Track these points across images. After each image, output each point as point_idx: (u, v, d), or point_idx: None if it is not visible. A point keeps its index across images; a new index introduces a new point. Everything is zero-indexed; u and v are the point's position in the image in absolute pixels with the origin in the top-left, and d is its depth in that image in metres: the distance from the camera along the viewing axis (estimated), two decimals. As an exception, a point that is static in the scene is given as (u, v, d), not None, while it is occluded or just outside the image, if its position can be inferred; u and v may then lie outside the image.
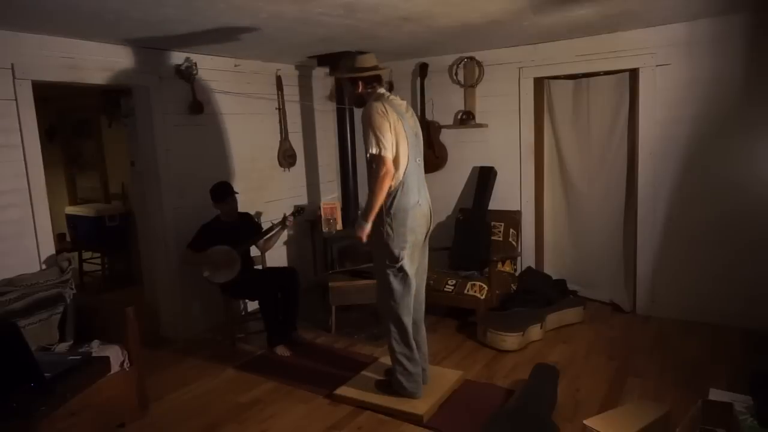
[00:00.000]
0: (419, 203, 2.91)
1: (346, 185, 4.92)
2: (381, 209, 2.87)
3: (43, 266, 3.38)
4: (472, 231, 4.72)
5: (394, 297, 2.95)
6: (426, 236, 3.06)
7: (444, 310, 4.48)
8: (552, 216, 4.97)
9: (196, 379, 3.59)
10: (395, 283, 2.93)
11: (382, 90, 3.00)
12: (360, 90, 3.01)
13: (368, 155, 2.81)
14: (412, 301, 3.02)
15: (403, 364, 3.03)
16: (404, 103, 3.00)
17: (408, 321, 3.00)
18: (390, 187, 2.84)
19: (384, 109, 2.79)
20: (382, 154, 2.76)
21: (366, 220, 2.86)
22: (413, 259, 2.97)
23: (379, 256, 2.96)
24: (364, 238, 2.88)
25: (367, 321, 4.44)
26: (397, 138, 2.80)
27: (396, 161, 2.82)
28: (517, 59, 4.62)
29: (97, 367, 2.83)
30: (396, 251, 2.88)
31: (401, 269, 2.91)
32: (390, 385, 3.12)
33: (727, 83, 3.85)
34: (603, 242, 4.67)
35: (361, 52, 4.45)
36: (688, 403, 2.82)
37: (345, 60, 3.11)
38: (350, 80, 3.05)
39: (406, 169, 2.85)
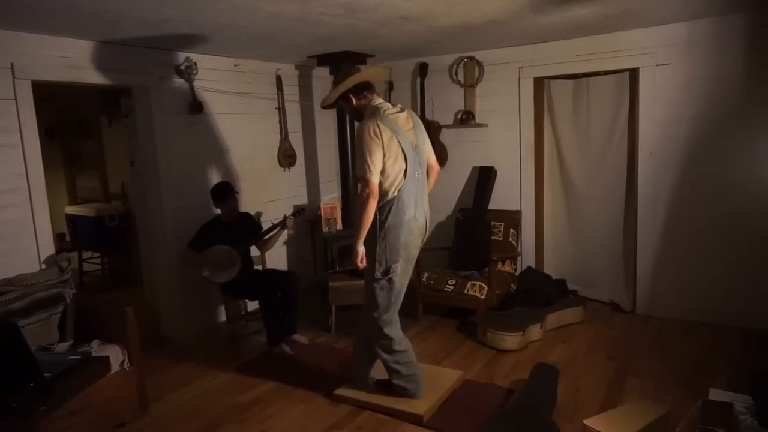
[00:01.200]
0: (415, 217, 2.87)
1: (346, 185, 4.92)
2: (375, 224, 2.83)
3: (43, 266, 3.38)
4: (472, 231, 4.72)
5: (378, 310, 2.94)
6: (419, 249, 3.03)
7: (444, 310, 4.48)
8: (552, 216, 4.97)
9: (196, 379, 3.59)
10: (380, 297, 2.91)
11: (379, 101, 2.92)
12: (354, 103, 2.95)
13: (354, 176, 2.78)
14: (396, 313, 3.00)
15: (397, 370, 3.03)
16: (402, 115, 2.89)
17: (391, 330, 2.98)
18: (384, 202, 2.81)
19: (377, 129, 2.72)
20: (367, 176, 2.72)
21: (358, 244, 2.84)
22: (405, 272, 2.95)
23: (369, 269, 2.93)
24: (360, 264, 2.87)
25: (367, 321, 4.44)
26: (391, 156, 2.75)
27: (389, 179, 2.78)
28: (517, 59, 4.62)
29: (97, 366, 2.83)
30: (388, 265, 2.86)
31: (390, 282, 2.89)
32: (389, 385, 3.11)
33: (727, 83, 3.85)
34: (603, 242, 4.67)
35: (361, 55, 4.46)
36: (688, 403, 2.82)
37: (333, 82, 3.10)
38: (342, 99, 2.98)
39: (402, 185, 2.80)
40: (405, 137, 2.82)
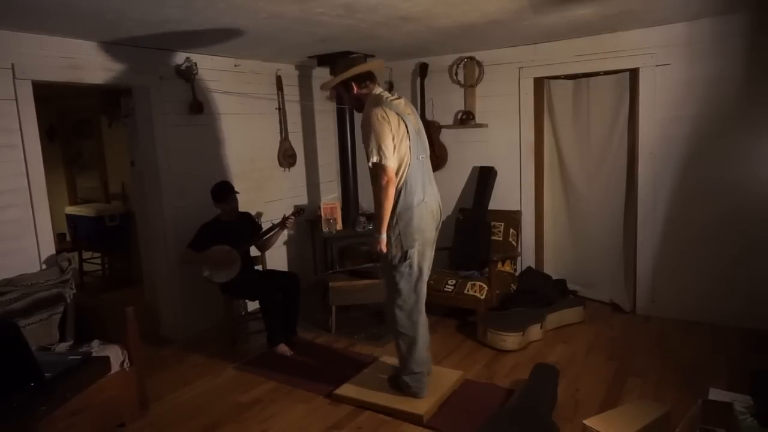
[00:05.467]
0: (425, 200, 2.89)
1: (346, 185, 4.93)
2: None
3: (44, 266, 3.38)
4: (472, 231, 4.72)
5: (402, 297, 2.95)
6: (435, 232, 3.05)
7: (444, 310, 4.48)
8: (552, 216, 4.97)
9: (196, 378, 3.59)
10: (402, 283, 2.93)
11: (378, 90, 2.97)
12: (355, 91, 2.97)
13: (370, 164, 2.78)
14: (421, 300, 3.01)
15: (408, 365, 3.04)
16: (402, 101, 2.96)
17: (417, 320, 2.99)
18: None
19: (384, 114, 2.76)
20: (384, 162, 2.73)
21: (380, 231, 2.83)
22: (423, 256, 2.96)
23: (386, 259, 2.94)
24: (384, 249, 2.86)
25: (367, 321, 4.44)
26: (398, 140, 2.78)
27: (398, 163, 2.80)
28: (517, 59, 4.62)
29: (97, 366, 2.83)
30: (405, 250, 2.87)
31: (410, 267, 2.90)
32: (397, 380, 3.13)
33: (727, 83, 3.85)
34: (603, 242, 4.67)
35: (351, 53, 4.48)
36: (688, 403, 2.82)
37: (334, 69, 3.12)
38: (343, 85, 3.00)
39: (408, 169, 2.83)
40: (409, 120, 2.86)
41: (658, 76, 4.08)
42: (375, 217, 2.86)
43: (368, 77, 2.97)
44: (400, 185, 2.83)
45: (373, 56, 4.69)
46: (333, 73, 3.18)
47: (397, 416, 2.97)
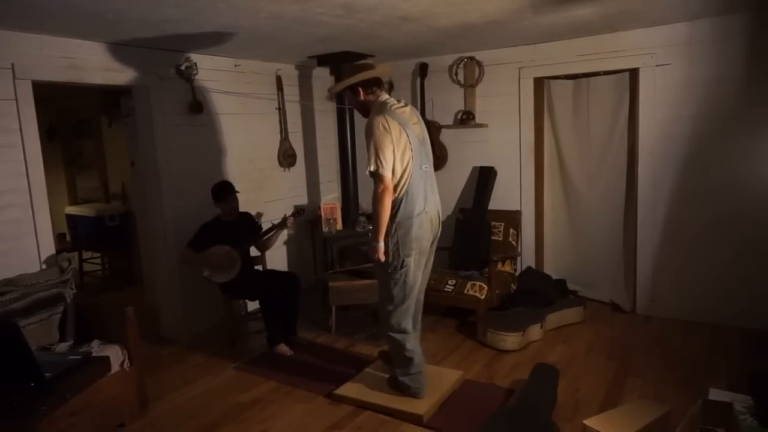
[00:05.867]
0: (425, 210, 2.90)
1: (346, 185, 4.93)
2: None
3: (44, 266, 3.38)
4: (472, 231, 4.72)
5: (394, 303, 2.96)
6: (433, 242, 3.06)
7: (444, 310, 4.48)
8: (552, 216, 4.97)
9: (196, 378, 3.59)
10: (395, 290, 2.93)
11: (384, 97, 2.96)
12: (362, 97, 2.98)
13: (368, 172, 2.80)
14: (412, 306, 3.02)
15: (405, 365, 3.04)
16: (408, 109, 2.95)
17: (407, 325, 3.00)
18: (394, 197, 2.82)
19: (386, 124, 2.76)
20: (380, 172, 2.74)
21: (377, 240, 2.84)
22: (419, 265, 2.97)
23: (382, 264, 2.94)
24: (382, 258, 2.87)
25: (367, 321, 4.44)
26: (400, 150, 2.77)
27: (398, 174, 2.80)
28: (517, 59, 4.62)
29: (97, 366, 2.83)
30: (401, 259, 2.87)
31: (405, 276, 2.90)
32: (395, 381, 3.13)
33: (727, 83, 3.85)
34: (603, 242, 4.67)
35: (361, 55, 4.49)
36: (688, 403, 2.82)
37: (343, 73, 3.12)
38: (350, 90, 3.01)
39: (410, 179, 2.83)
40: (412, 130, 2.86)
41: (658, 76, 4.08)
42: (372, 225, 2.88)
43: (375, 83, 2.98)
44: (401, 195, 2.83)
45: (373, 56, 4.69)
46: (336, 74, 3.18)
47: (397, 416, 2.97)
